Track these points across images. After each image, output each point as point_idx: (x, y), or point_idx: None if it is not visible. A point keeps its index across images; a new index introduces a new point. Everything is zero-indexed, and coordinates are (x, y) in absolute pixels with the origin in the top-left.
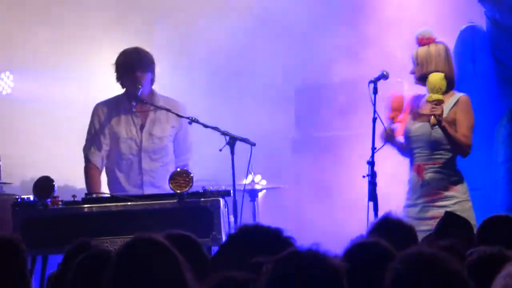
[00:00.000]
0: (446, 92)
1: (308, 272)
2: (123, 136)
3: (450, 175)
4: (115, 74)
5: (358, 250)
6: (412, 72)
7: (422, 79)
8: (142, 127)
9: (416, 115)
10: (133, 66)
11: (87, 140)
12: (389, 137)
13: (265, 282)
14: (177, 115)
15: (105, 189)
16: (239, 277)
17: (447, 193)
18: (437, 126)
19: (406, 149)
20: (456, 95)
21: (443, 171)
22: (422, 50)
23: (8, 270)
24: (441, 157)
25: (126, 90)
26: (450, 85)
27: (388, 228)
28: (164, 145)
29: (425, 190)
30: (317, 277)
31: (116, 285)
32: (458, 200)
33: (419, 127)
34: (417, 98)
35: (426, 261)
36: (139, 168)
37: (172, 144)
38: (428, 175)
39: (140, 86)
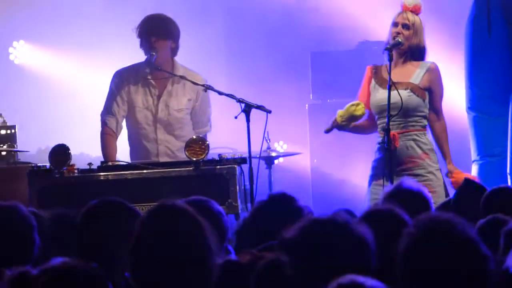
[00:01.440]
0: (411, 60)
1: (333, 241)
2: (139, 106)
3: (423, 143)
4: (137, 30)
5: (372, 218)
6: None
7: (408, 46)
8: (158, 97)
9: (386, 83)
10: (148, 31)
11: (105, 105)
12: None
13: (290, 252)
14: (192, 82)
15: (125, 156)
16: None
17: (420, 162)
18: (411, 94)
19: (368, 125)
20: (426, 63)
21: (416, 138)
22: (418, 19)
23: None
24: (416, 124)
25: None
26: (422, 58)
27: (402, 196)
28: (180, 118)
29: (399, 158)
30: (342, 245)
31: (141, 251)
32: (432, 169)
33: (392, 95)
34: (383, 67)
35: (440, 226)
36: (154, 138)
37: (189, 117)
38: (402, 143)
39: (153, 53)
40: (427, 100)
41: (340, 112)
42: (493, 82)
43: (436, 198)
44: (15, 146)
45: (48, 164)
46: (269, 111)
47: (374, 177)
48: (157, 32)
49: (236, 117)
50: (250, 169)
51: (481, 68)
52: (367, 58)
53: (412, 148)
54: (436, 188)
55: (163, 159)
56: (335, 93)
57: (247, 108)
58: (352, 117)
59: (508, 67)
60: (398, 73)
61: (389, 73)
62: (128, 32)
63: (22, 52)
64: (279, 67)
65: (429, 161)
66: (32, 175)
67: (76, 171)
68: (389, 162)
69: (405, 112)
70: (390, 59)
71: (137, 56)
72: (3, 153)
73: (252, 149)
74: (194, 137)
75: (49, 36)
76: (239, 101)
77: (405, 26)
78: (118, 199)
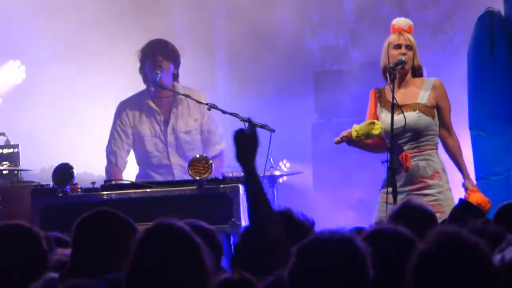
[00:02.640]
0: (414, 80)
1: (332, 258)
2: (147, 135)
3: (435, 163)
4: (139, 63)
5: (377, 237)
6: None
7: (410, 66)
8: (165, 122)
9: (396, 108)
10: (155, 50)
11: (109, 140)
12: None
13: (290, 269)
14: (196, 101)
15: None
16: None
17: (431, 182)
18: (420, 114)
19: (376, 145)
20: (429, 80)
21: (428, 158)
22: (413, 39)
23: (27, 257)
24: (428, 143)
25: (146, 80)
26: (419, 75)
27: (409, 214)
28: (189, 140)
29: (410, 178)
30: (341, 262)
31: (138, 269)
32: (442, 189)
33: (402, 118)
34: (385, 90)
35: (452, 239)
36: (168, 164)
37: (199, 137)
38: (414, 163)
39: (158, 71)
40: (436, 118)
41: (356, 127)
42: (496, 101)
43: (445, 217)
44: (19, 165)
45: (51, 183)
46: (272, 130)
47: (382, 195)
48: (164, 51)
49: None
50: None
51: (484, 87)
52: (370, 77)
53: (423, 168)
54: (445, 208)
55: None
56: (339, 112)
57: (251, 127)
58: (368, 135)
59: (510, 86)
60: (403, 95)
61: (393, 91)
62: (131, 54)
63: (19, 72)
64: (283, 86)
65: (440, 181)
66: (35, 194)
67: (79, 190)
68: (393, 181)
69: (417, 133)
70: (394, 78)
71: (138, 79)
72: (6, 172)
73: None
74: (197, 156)
75: (52, 55)
76: (243, 120)
77: (408, 47)
78: (110, 209)
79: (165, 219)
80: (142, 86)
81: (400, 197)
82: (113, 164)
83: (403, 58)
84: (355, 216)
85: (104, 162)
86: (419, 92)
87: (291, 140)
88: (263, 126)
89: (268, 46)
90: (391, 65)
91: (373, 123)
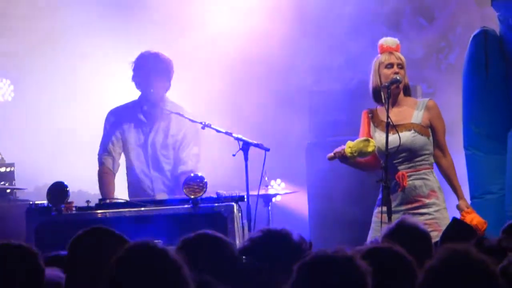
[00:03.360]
0: (408, 100)
1: (333, 276)
2: (131, 144)
3: (431, 182)
4: (132, 72)
5: (371, 256)
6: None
7: (405, 86)
8: (149, 134)
9: (390, 128)
10: (151, 69)
11: (101, 144)
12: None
13: (291, 286)
14: (190, 120)
15: (123, 192)
16: None
17: (428, 201)
18: (416, 134)
19: (370, 164)
20: (423, 101)
21: (424, 177)
22: (402, 56)
23: (23, 277)
24: (423, 163)
25: (141, 95)
26: (409, 93)
27: (403, 233)
28: (166, 154)
29: (407, 197)
30: (342, 280)
31: None
32: (439, 207)
33: (397, 138)
34: (383, 110)
35: (460, 256)
36: (148, 175)
37: (171, 154)
38: (410, 182)
39: (152, 90)
40: (431, 138)
41: (350, 143)
42: (490, 120)
43: None
44: (13, 184)
45: (46, 202)
46: (267, 149)
47: (377, 214)
48: (157, 69)
49: (234, 155)
50: (248, 207)
51: (478, 106)
52: (365, 97)
53: (420, 187)
54: (442, 227)
55: (159, 195)
56: (333, 131)
57: (245, 146)
58: (361, 152)
59: (505, 105)
60: (397, 115)
61: (387, 110)
62: (123, 69)
63: (8, 91)
64: (277, 106)
65: (436, 200)
66: (30, 212)
67: (74, 208)
68: (388, 200)
69: (412, 153)
70: (389, 97)
71: (131, 94)
72: (1, 190)
73: (250, 187)
74: (192, 175)
75: (45, 73)
76: (237, 139)
77: (399, 66)
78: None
79: (142, 240)
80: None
81: (396, 216)
82: (106, 168)
83: (397, 77)
84: (350, 235)
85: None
86: (413, 112)
87: (285, 159)
88: (257, 146)
89: (262, 65)
90: (386, 84)
91: (367, 140)
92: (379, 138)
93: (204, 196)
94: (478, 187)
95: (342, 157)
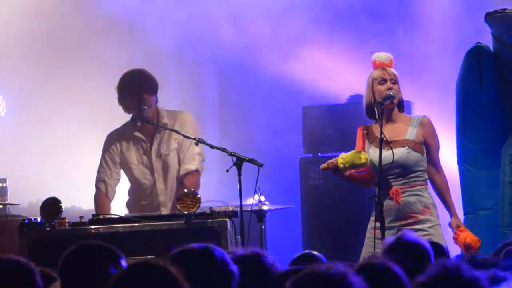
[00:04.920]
0: (402, 116)
1: None
2: (134, 163)
3: (425, 198)
4: (117, 95)
5: (364, 271)
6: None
7: (399, 101)
8: (150, 149)
9: (384, 144)
10: (139, 87)
11: (98, 170)
12: (336, 173)
13: None
14: (184, 136)
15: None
16: None
17: (422, 217)
18: (410, 150)
19: (364, 179)
20: (417, 118)
21: (418, 193)
22: (395, 72)
23: None
24: (417, 179)
25: (132, 114)
26: (403, 108)
27: (404, 248)
28: (172, 159)
29: (401, 214)
30: None
31: None
32: (433, 224)
33: (391, 155)
34: (373, 126)
35: (450, 272)
36: (155, 190)
37: (177, 156)
38: (404, 199)
39: (146, 107)
40: (425, 154)
41: (343, 155)
42: (484, 136)
43: None
44: (6, 199)
45: (39, 217)
46: (261, 165)
47: (371, 230)
48: (147, 87)
49: (227, 171)
50: (241, 222)
51: (472, 122)
52: (359, 112)
53: (414, 204)
54: None
55: (164, 209)
56: (327, 147)
57: (239, 162)
58: (354, 164)
59: (498, 120)
60: (391, 131)
61: (381, 126)
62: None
63: (11, 105)
64: (271, 121)
65: (430, 216)
66: (23, 228)
67: (67, 224)
68: (381, 216)
69: (406, 169)
70: (383, 113)
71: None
72: None
73: (243, 202)
74: (186, 190)
75: (39, 88)
76: (231, 154)
77: (393, 81)
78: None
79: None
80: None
81: (390, 232)
82: (102, 193)
83: (391, 93)
84: (344, 250)
85: (92, 194)
86: (407, 129)
87: (279, 174)
88: (251, 161)
89: (256, 81)
90: (380, 100)
91: (359, 152)
92: (373, 154)
93: (197, 211)
94: (472, 203)
95: (335, 168)
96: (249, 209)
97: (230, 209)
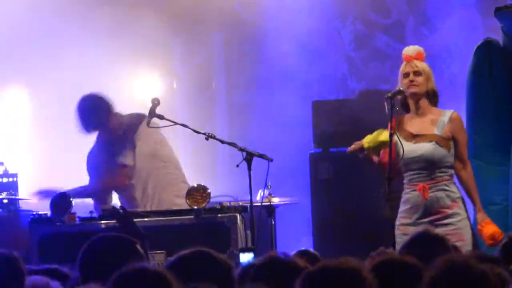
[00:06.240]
0: (432, 109)
1: (339, 286)
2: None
3: (452, 192)
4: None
5: (384, 267)
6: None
7: (424, 92)
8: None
9: (411, 136)
10: (90, 126)
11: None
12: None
13: None
14: (194, 131)
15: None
16: None
17: (451, 211)
18: (436, 146)
19: (395, 171)
20: (446, 112)
21: (446, 188)
22: (424, 64)
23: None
24: (443, 175)
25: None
26: (437, 103)
27: (425, 244)
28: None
29: (429, 209)
30: None
31: None
32: (462, 217)
33: (418, 148)
34: (408, 118)
35: (458, 267)
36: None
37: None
38: (432, 194)
39: (111, 127)
40: (452, 150)
41: (368, 136)
42: (495, 131)
43: (466, 246)
44: (17, 194)
45: (49, 212)
46: (270, 160)
47: (398, 226)
48: (92, 123)
49: (237, 166)
50: (251, 217)
51: (482, 117)
52: (369, 107)
53: (442, 199)
54: (466, 236)
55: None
56: (337, 142)
57: (249, 157)
58: (377, 143)
59: (509, 116)
60: (420, 125)
61: (391, 122)
62: (128, 76)
63: (22, 100)
64: (280, 116)
65: (458, 209)
66: (33, 223)
67: (77, 219)
68: (393, 212)
69: (432, 164)
70: (392, 107)
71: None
72: (5, 201)
73: (254, 197)
74: (195, 185)
75: (50, 82)
76: (241, 149)
77: (416, 73)
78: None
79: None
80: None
81: (417, 229)
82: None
83: (400, 88)
84: (354, 245)
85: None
86: (436, 123)
87: (289, 169)
88: (261, 156)
89: (266, 76)
90: (388, 95)
91: (381, 130)
92: (400, 147)
93: (207, 206)
94: (482, 197)
95: (361, 150)
96: (259, 204)
97: (240, 204)
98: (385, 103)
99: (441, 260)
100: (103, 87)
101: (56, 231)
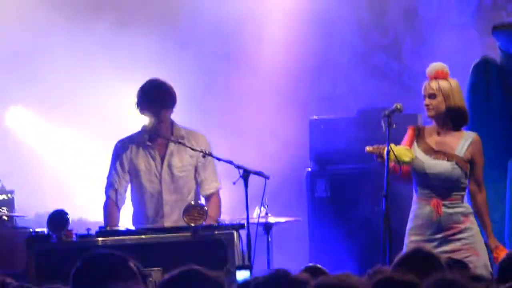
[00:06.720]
0: (455, 129)
1: None
2: (143, 170)
3: (464, 208)
4: (136, 105)
5: (384, 285)
6: (427, 104)
7: (443, 113)
8: (162, 159)
9: (431, 151)
10: (159, 103)
11: (107, 178)
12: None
13: None
14: (191, 148)
15: (128, 222)
16: None
17: (463, 226)
18: (456, 167)
19: (406, 178)
20: (469, 134)
21: (459, 205)
22: (444, 83)
23: None
24: (458, 194)
25: (145, 123)
26: (464, 120)
27: (419, 261)
28: (183, 176)
29: (442, 226)
30: None
31: None
32: (474, 232)
33: (437, 164)
34: (429, 131)
35: (448, 286)
36: (160, 200)
37: (192, 174)
38: (446, 211)
39: (162, 123)
40: (468, 173)
41: (392, 145)
42: (491, 148)
43: (481, 260)
44: (14, 211)
45: (46, 229)
46: (267, 177)
47: (408, 244)
48: (167, 104)
49: (234, 183)
50: (248, 235)
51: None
52: (366, 126)
53: (456, 215)
54: (480, 251)
55: (168, 219)
56: (334, 159)
57: (246, 174)
58: (398, 159)
59: (505, 133)
60: (442, 143)
61: (388, 139)
62: (124, 96)
63: (19, 117)
64: (278, 134)
65: (471, 224)
66: (30, 240)
67: (74, 236)
68: (387, 228)
69: (448, 183)
70: (389, 125)
71: (135, 122)
72: (5, 217)
73: (250, 215)
74: (193, 202)
75: (46, 100)
76: (238, 167)
77: (431, 96)
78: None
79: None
80: (138, 124)
81: (431, 245)
82: (112, 201)
83: (398, 106)
84: (352, 263)
85: (99, 207)
86: (458, 144)
87: (286, 187)
88: (257, 173)
89: (264, 93)
90: (385, 113)
91: (408, 150)
92: (422, 163)
93: (204, 223)
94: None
95: (379, 155)
96: (256, 222)
97: (237, 221)
98: (382, 121)
99: (433, 279)
100: (102, 98)
101: (53, 248)
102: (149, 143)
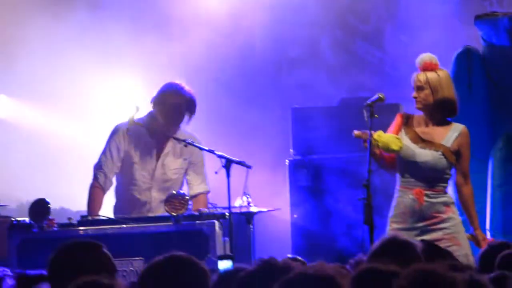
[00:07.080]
0: (444, 121)
1: None
2: (137, 163)
3: (447, 198)
4: (156, 104)
5: (367, 275)
6: (415, 96)
7: (431, 105)
8: (157, 156)
9: (418, 140)
10: (187, 109)
11: (100, 158)
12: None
13: None
14: (176, 138)
15: (109, 210)
16: None
17: (445, 216)
18: (442, 157)
19: (390, 166)
20: (457, 126)
21: (442, 195)
22: (432, 75)
23: None
24: (442, 185)
25: (154, 118)
26: (453, 111)
27: (395, 250)
28: (175, 178)
29: (424, 214)
30: None
31: None
32: (455, 221)
33: (423, 153)
34: (418, 120)
35: (427, 276)
36: (148, 195)
37: (182, 177)
38: (428, 200)
39: (172, 128)
40: (453, 164)
41: (380, 132)
42: (472, 139)
43: (462, 250)
44: None
45: (28, 219)
46: (249, 167)
47: (391, 231)
48: (193, 111)
49: (216, 172)
50: (230, 224)
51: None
52: (347, 114)
53: (438, 204)
54: (461, 241)
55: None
56: (316, 149)
57: (228, 164)
58: (386, 147)
59: (487, 124)
60: (430, 133)
61: (369, 129)
62: (113, 86)
63: (1, 106)
64: (260, 123)
65: (453, 214)
66: (11, 229)
67: (55, 225)
68: (370, 219)
69: (433, 172)
70: (371, 115)
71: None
72: None
73: (232, 204)
74: (174, 192)
75: (31, 90)
76: (220, 156)
77: (419, 88)
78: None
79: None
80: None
81: (413, 233)
82: (98, 184)
83: (380, 96)
84: (333, 252)
85: (81, 196)
86: (445, 134)
87: (268, 176)
88: (239, 163)
89: (246, 83)
90: (368, 103)
91: (397, 138)
92: (408, 151)
93: (186, 213)
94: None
95: (366, 140)
96: (237, 211)
97: (219, 211)
98: (364, 111)
99: (411, 269)
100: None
101: (35, 237)
102: (149, 138)
